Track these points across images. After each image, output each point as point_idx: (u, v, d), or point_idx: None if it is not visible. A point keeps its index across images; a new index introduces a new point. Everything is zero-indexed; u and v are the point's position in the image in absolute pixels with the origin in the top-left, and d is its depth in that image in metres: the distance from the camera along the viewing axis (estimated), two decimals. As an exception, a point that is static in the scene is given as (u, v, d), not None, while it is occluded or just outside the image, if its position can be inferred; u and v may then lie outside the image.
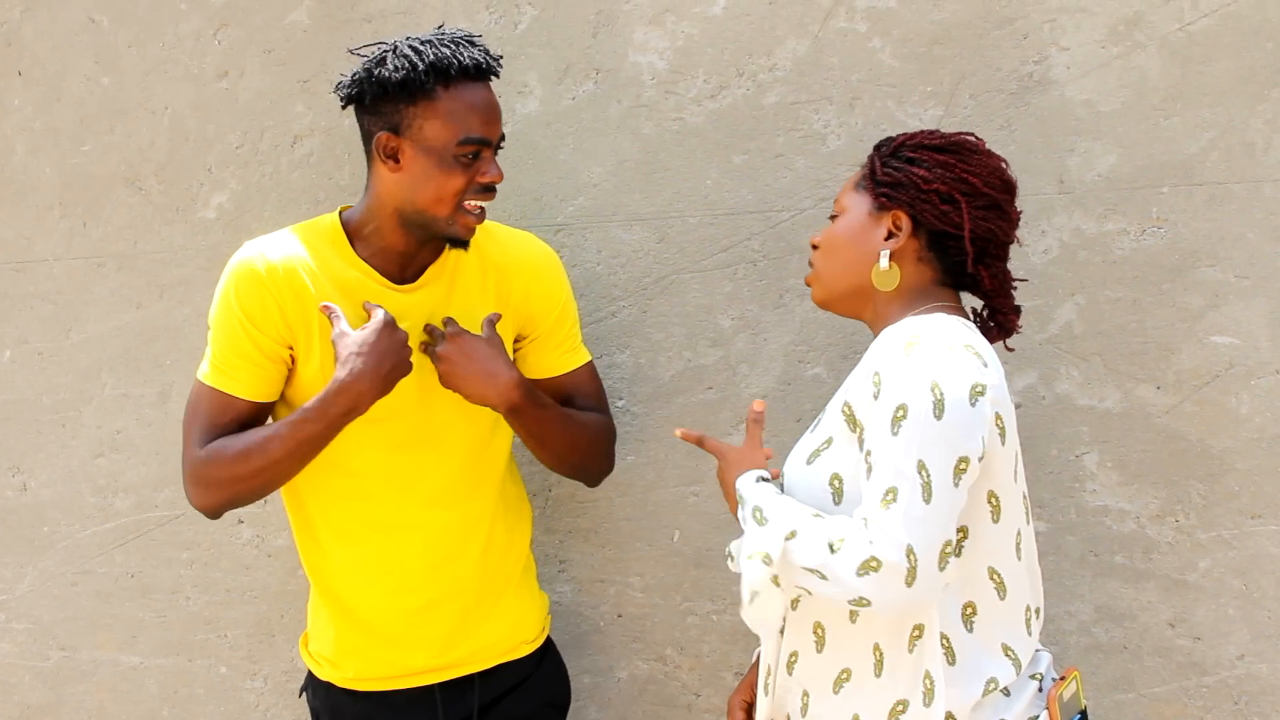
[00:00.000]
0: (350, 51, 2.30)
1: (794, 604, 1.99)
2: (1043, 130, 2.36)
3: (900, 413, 1.81)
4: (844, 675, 1.94)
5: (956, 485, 1.80)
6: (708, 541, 2.58)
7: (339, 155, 2.76)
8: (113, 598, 2.97)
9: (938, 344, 1.86)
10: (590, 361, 2.45)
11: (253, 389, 2.25)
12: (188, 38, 2.84)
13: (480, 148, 2.18)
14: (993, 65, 2.38)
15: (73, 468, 2.98)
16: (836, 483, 1.92)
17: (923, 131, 2.06)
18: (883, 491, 1.80)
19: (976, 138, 2.04)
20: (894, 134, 2.10)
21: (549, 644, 2.53)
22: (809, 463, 1.96)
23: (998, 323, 2.06)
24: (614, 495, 2.64)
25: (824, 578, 1.83)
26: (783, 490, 2.00)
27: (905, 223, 1.98)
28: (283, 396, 2.31)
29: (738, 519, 1.98)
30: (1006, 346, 2.13)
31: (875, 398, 1.86)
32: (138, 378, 2.91)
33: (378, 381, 2.16)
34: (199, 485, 2.25)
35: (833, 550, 1.82)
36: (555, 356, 2.41)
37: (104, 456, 2.95)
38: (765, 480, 2.00)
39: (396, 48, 2.19)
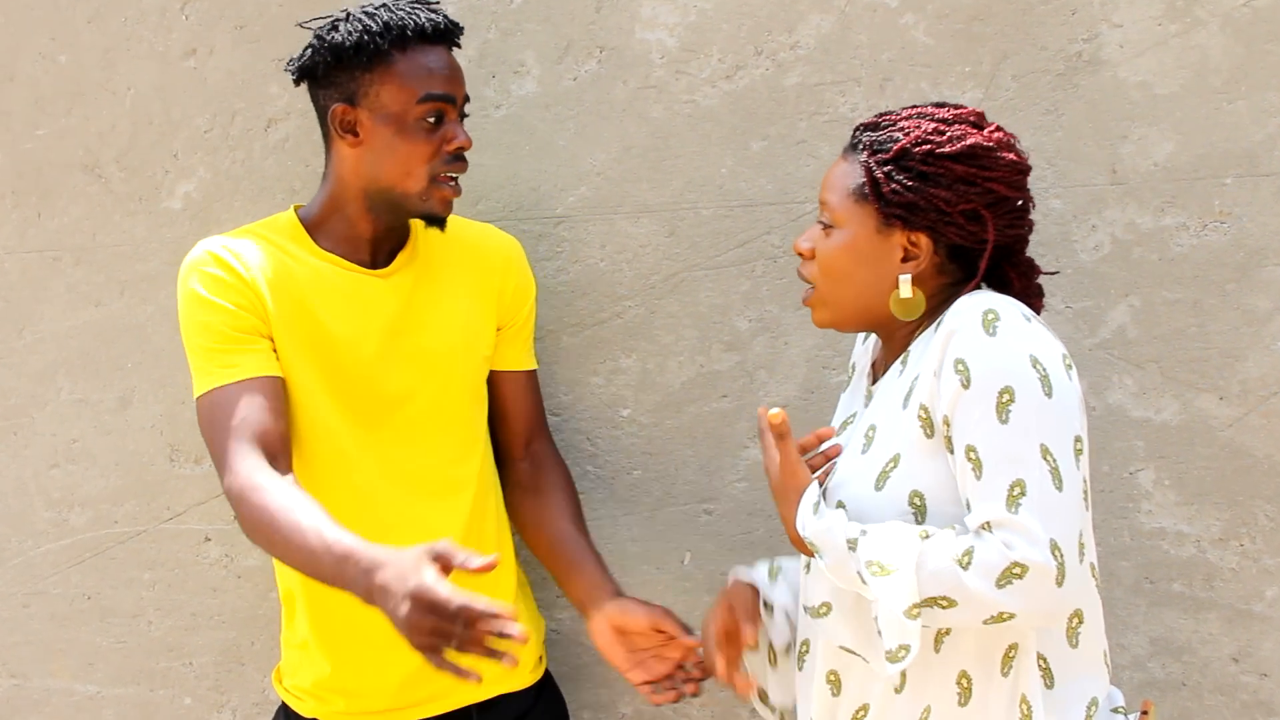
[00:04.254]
0: (300, 25, 2.20)
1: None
2: (1093, 115, 2.20)
3: (1006, 397, 1.66)
4: (924, 715, 1.75)
5: (1078, 467, 1.67)
6: (722, 564, 2.40)
7: (316, 141, 2.53)
8: (68, 621, 2.80)
9: (1016, 315, 1.72)
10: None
11: (259, 365, 2.06)
12: (152, 12, 2.67)
13: (442, 108, 2.09)
14: (1038, 44, 2.22)
15: (25, 479, 2.81)
16: (918, 501, 1.75)
17: (920, 116, 1.84)
18: (1006, 487, 1.64)
19: (979, 116, 1.86)
20: (879, 115, 1.88)
21: (548, 677, 2.39)
22: (878, 488, 1.77)
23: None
24: (618, 514, 2.47)
25: (954, 602, 1.65)
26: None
27: (925, 243, 1.81)
28: None
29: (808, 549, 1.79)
30: None
31: (965, 386, 1.68)
32: (96, 382, 2.74)
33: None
34: (242, 522, 1.97)
35: (963, 567, 1.64)
36: (522, 352, 2.33)
37: (59, 467, 2.78)
38: (826, 505, 1.80)
39: (349, 15, 2.10)
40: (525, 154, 2.47)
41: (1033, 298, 1.90)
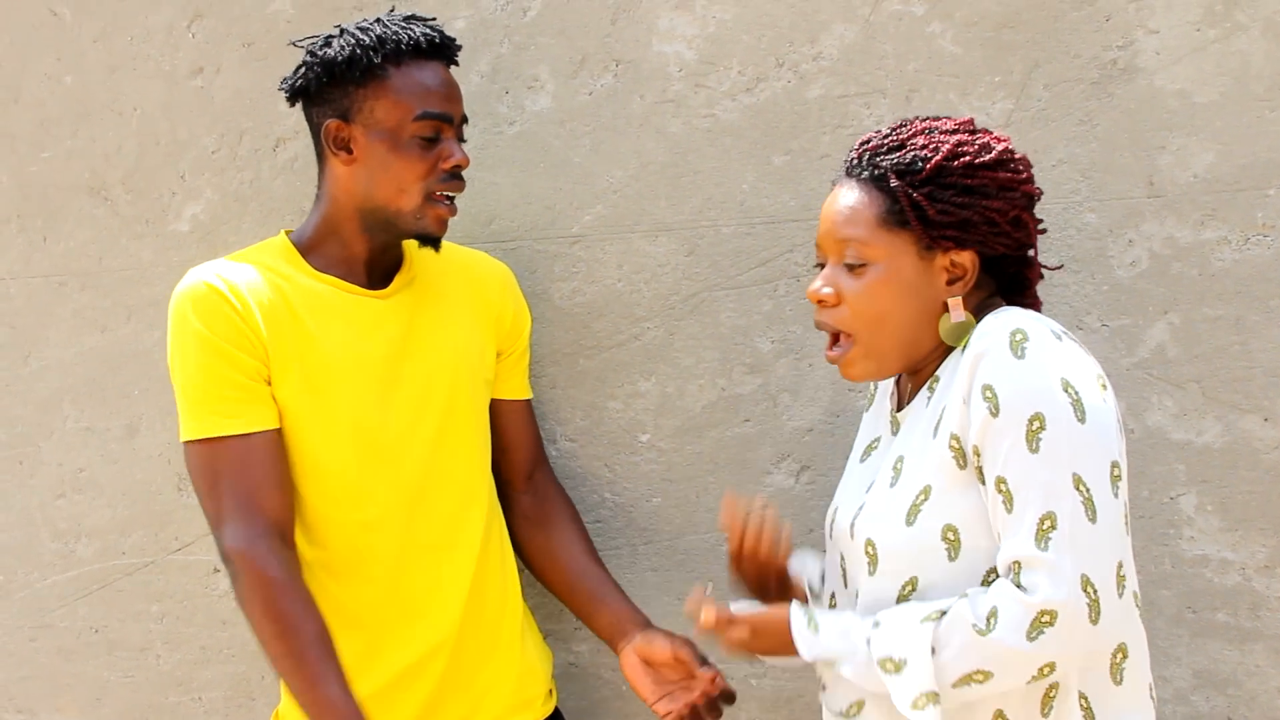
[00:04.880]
0: (293, 44, 2.16)
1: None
2: (1129, 125, 2.12)
3: (1036, 424, 1.58)
4: None
5: (1116, 495, 1.59)
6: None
7: (327, 160, 2.51)
8: (75, 655, 2.73)
9: (1045, 334, 1.64)
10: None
11: (261, 417, 2.00)
12: (158, 30, 2.61)
13: (439, 125, 2.04)
14: (1070, 51, 2.14)
15: (31, 510, 2.74)
16: (951, 535, 1.66)
17: (930, 131, 1.77)
18: (1035, 522, 1.57)
19: (971, 122, 1.81)
20: (870, 138, 1.80)
21: (558, 713, 2.31)
22: (909, 523, 1.68)
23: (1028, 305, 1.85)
24: (638, 542, 2.38)
25: (988, 674, 1.59)
26: (875, 564, 1.72)
27: (971, 260, 1.74)
28: None
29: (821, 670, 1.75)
30: None
31: (994, 414, 1.60)
32: (103, 409, 2.67)
33: None
34: (243, 590, 1.99)
35: (984, 633, 1.57)
36: (521, 380, 2.31)
37: (65, 497, 2.71)
38: (817, 616, 1.74)
39: (343, 30, 2.08)
40: (540, 171, 2.40)
41: (1035, 299, 1.85)
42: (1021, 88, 2.16)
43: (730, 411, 2.34)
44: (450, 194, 2.06)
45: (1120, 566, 1.59)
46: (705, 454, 2.35)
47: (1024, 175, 1.75)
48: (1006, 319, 1.66)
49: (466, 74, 2.39)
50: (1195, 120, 2.09)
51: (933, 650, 1.61)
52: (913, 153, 1.74)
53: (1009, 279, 1.81)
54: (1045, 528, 1.56)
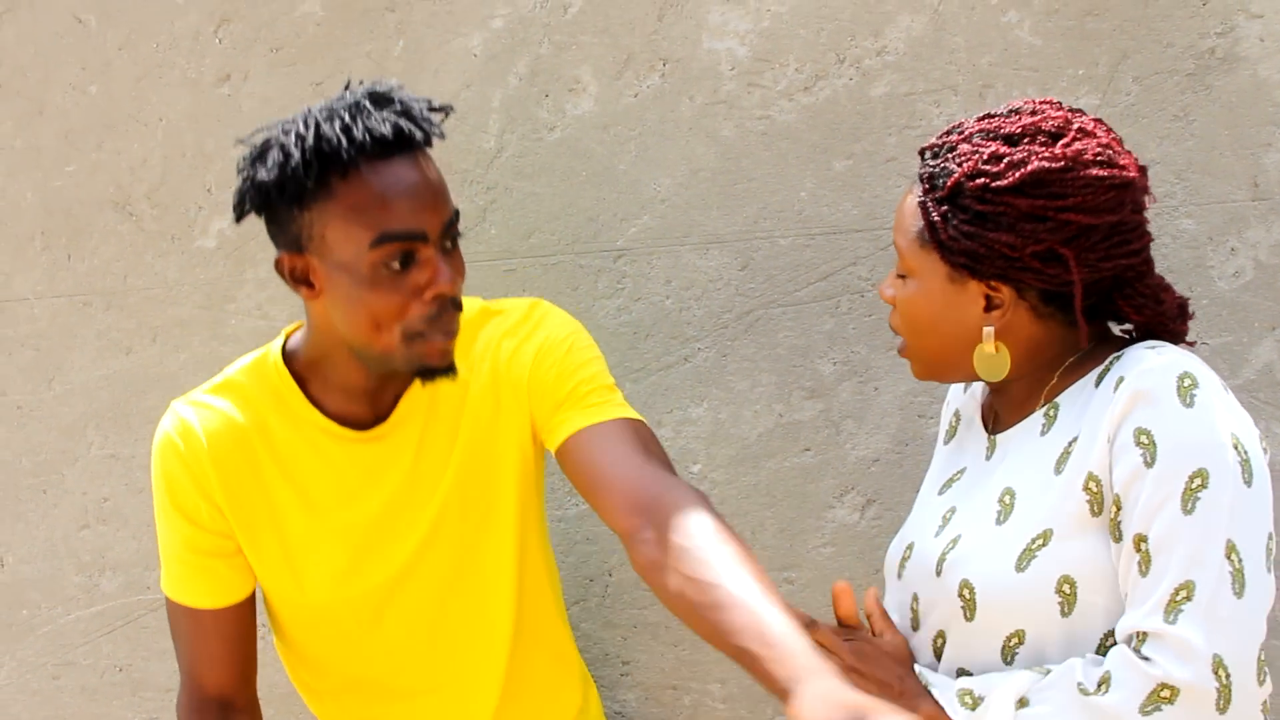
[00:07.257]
0: (239, 142, 1.76)
1: None
2: (1230, 120, 1.96)
3: (1197, 482, 1.42)
4: None
5: (1269, 570, 1.43)
6: (805, 641, 2.15)
7: (358, 170, 2.40)
8: (99, 694, 2.63)
9: (1216, 383, 1.48)
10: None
11: (212, 594, 1.87)
12: (185, 37, 2.52)
13: (409, 246, 1.64)
14: (1163, 40, 1.98)
15: (55, 541, 2.65)
16: (1067, 588, 1.49)
17: (985, 135, 1.57)
18: (1170, 590, 1.40)
19: (1062, 122, 1.55)
20: (947, 129, 1.63)
21: None
22: (1020, 568, 1.51)
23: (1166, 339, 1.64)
24: None
25: None
26: (973, 610, 1.55)
27: (1006, 292, 1.56)
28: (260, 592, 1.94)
29: None
30: None
31: (1148, 464, 1.44)
32: (128, 435, 2.58)
33: None
34: None
35: (1089, 694, 1.41)
36: (575, 412, 1.80)
37: (89, 528, 2.62)
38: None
39: (283, 130, 1.67)
40: (582, 180, 2.28)
41: (1173, 322, 1.62)
42: (1108, 81, 2.01)
43: (789, 440, 2.20)
44: (445, 327, 1.69)
45: (1261, 650, 1.41)
46: (762, 486, 2.21)
47: (1064, 202, 1.51)
48: (1172, 359, 1.49)
49: (504, 76, 2.27)
50: (1306, 115, 1.92)
51: (1023, 702, 1.45)
52: (946, 161, 1.57)
53: (1098, 307, 1.60)
54: (1179, 598, 1.40)
